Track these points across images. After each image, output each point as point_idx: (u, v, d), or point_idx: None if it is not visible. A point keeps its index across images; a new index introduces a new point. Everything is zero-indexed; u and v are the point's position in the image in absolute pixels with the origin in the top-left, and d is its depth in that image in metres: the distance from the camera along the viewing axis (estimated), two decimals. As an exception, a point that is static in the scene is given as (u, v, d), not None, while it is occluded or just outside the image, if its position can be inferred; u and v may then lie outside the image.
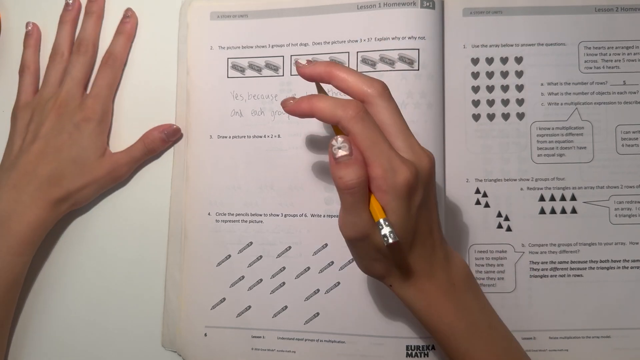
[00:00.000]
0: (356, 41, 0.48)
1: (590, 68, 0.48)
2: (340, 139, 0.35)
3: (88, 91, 0.49)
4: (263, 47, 0.49)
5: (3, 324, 0.45)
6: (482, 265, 0.47)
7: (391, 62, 0.47)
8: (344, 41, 0.48)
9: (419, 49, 0.46)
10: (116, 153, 0.49)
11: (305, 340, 0.47)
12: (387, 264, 0.37)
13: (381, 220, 0.34)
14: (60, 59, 0.49)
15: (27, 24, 0.50)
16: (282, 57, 0.49)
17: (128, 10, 0.50)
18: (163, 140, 0.48)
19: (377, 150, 0.35)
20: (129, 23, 0.50)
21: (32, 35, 0.50)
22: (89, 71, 0.49)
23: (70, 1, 0.50)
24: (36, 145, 0.46)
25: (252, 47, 0.49)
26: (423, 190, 0.36)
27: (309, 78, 0.39)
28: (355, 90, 0.37)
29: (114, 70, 0.49)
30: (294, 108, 0.38)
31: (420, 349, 0.45)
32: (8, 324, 0.46)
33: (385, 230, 0.34)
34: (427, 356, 0.45)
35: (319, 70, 0.39)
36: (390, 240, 0.33)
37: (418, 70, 0.46)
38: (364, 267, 0.39)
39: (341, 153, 0.34)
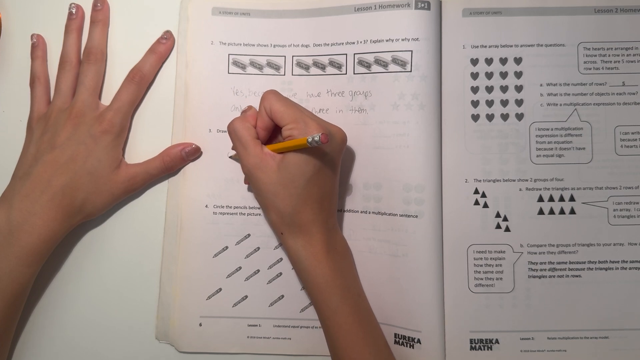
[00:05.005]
0: (353, 43, 0.48)
1: (590, 69, 0.48)
2: (247, 106, 0.46)
3: (108, 103, 0.49)
4: (265, 46, 0.50)
5: (6, 331, 0.45)
6: (481, 266, 0.47)
7: (385, 64, 0.47)
8: (342, 43, 0.49)
9: (412, 51, 0.47)
10: (132, 165, 0.48)
11: (301, 327, 0.48)
12: (283, 205, 0.42)
13: (308, 138, 0.39)
14: (70, 67, 0.49)
15: (32, 36, 0.50)
16: (283, 57, 0.50)
17: (167, 32, 0.50)
18: (182, 158, 0.48)
19: (290, 111, 0.42)
20: (164, 45, 0.50)
21: (38, 47, 0.50)
22: (101, 79, 0.49)
23: (74, 10, 0.50)
24: (51, 155, 0.45)
25: (253, 45, 0.50)
26: (331, 152, 0.43)
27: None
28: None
29: (139, 88, 0.49)
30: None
31: (407, 339, 0.46)
32: (11, 331, 0.46)
33: (314, 135, 0.39)
34: (413, 348, 0.46)
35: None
36: (318, 137, 0.38)
37: (410, 71, 0.47)
38: (264, 206, 0.44)
39: (244, 109, 0.46)
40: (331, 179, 0.44)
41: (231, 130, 0.44)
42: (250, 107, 0.46)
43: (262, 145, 0.43)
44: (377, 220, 0.47)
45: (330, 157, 0.43)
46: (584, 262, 0.47)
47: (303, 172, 0.41)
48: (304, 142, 0.39)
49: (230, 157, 0.49)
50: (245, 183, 0.48)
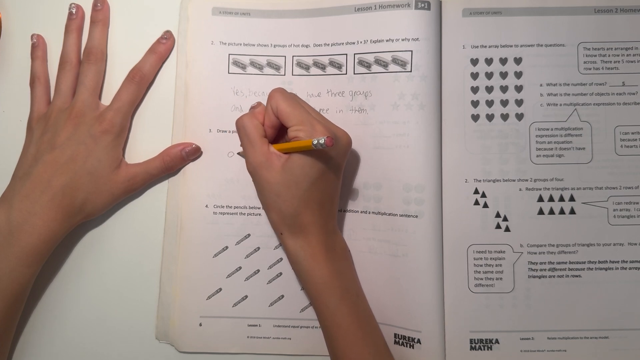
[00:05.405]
0: (353, 43, 0.48)
1: (590, 69, 0.48)
2: (256, 102, 0.46)
3: (108, 103, 0.49)
4: (265, 46, 0.50)
5: (6, 331, 0.45)
6: (481, 266, 0.47)
7: (385, 64, 0.47)
8: (343, 43, 0.49)
9: (412, 51, 0.47)
10: (132, 165, 0.48)
11: (301, 327, 0.48)
12: (284, 206, 0.42)
13: (313, 140, 0.39)
14: (70, 67, 0.49)
15: (32, 37, 0.50)
16: (284, 57, 0.50)
17: (167, 32, 0.50)
18: (182, 158, 0.48)
19: (297, 112, 0.42)
20: (164, 45, 0.50)
21: (38, 47, 0.50)
22: (101, 79, 0.49)
23: (74, 10, 0.50)
24: (51, 155, 0.45)
25: (254, 45, 0.50)
26: (336, 156, 0.43)
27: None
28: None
29: (139, 88, 0.49)
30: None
31: (407, 339, 0.46)
32: (11, 331, 0.46)
33: (319, 138, 0.39)
34: (412, 348, 0.46)
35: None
36: (323, 140, 0.39)
37: (410, 71, 0.47)
38: (265, 205, 0.44)
39: (252, 105, 0.46)
40: (334, 182, 0.44)
41: (240, 126, 0.44)
42: (259, 104, 0.46)
43: (269, 144, 0.43)
44: (377, 220, 0.47)
45: (335, 161, 0.43)
46: (584, 262, 0.47)
47: (307, 174, 0.41)
48: (309, 144, 0.39)
49: (238, 153, 0.49)
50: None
